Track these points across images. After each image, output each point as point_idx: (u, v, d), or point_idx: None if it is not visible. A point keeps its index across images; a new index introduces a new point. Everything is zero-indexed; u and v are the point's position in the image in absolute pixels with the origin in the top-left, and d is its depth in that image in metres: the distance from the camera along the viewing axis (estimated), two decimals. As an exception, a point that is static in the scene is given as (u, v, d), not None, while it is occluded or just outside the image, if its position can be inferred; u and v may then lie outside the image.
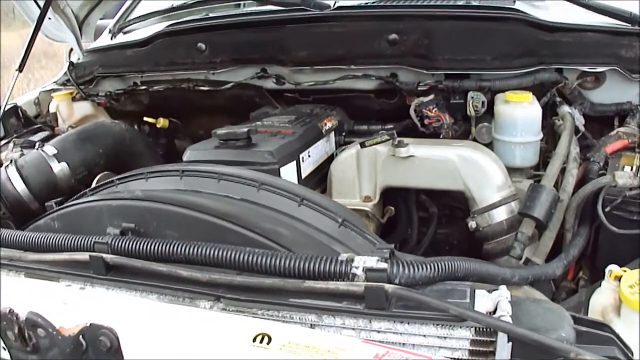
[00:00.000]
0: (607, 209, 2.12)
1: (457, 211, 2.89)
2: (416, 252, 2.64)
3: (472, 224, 2.44)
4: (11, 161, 2.65)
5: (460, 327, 1.27)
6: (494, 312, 1.30)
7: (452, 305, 1.25)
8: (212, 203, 1.80)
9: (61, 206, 2.08)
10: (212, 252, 1.48)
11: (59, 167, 2.65)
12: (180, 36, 3.36)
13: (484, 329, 1.24)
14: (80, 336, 1.46)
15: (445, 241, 2.96)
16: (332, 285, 1.34)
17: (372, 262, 1.35)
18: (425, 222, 2.87)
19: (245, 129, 2.34)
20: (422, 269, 1.36)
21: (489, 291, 1.36)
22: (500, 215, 2.41)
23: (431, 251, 2.80)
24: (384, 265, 1.33)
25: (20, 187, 2.57)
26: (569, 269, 2.23)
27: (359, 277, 1.34)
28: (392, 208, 2.70)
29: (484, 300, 1.33)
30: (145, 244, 1.57)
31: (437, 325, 1.28)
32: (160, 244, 1.55)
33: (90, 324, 1.46)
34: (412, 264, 1.35)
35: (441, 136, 2.71)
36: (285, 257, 1.42)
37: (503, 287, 1.37)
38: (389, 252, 1.37)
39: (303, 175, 2.44)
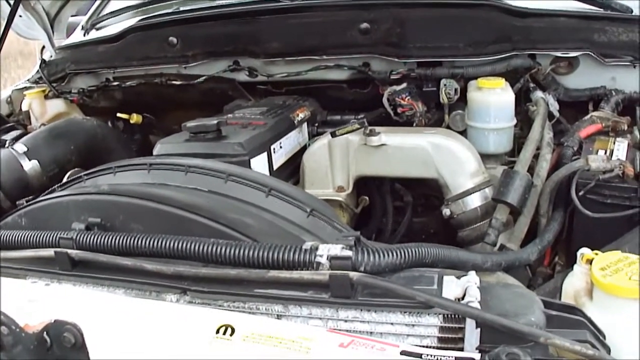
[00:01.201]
0: (580, 193, 2.11)
1: (432, 200, 2.88)
2: (392, 242, 2.63)
3: (446, 211, 2.43)
4: (-19, 160, 2.62)
5: (428, 315, 1.25)
6: (463, 298, 1.28)
7: (418, 292, 1.23)
8: (178, 195, 1.78)
9: (28, 203, 2.06)
10: (176, 244, 1.46)
11: (29, 165, 2.64)
12: (151, 30, 3.34)
13: (452, 316, 1.23)
14: (45, 333, 1.44)
15: (422, 230, 2.95)
16: (296, 274, 1.32)
17: (337, 250, 1.33)
18: (401, 212, 2.86)
19: (215, 121, 2.33)
20: (388, 255, 1.34)
21: (458, 277, 1.34)
22: (475, 202, 2.41)
23: (407, 240, 2.76)
24: (348, 252, 1.31)
25: (-10, 185, 2.54)
26: (544, 254, 2.23)
27: (323, 266, 1.32)
28: (367, 198, 2.69)
29: (452, 287, 1.31)
30: (110, 238, 1.55)
31: (405, 312, 1.26)
32: (125, 238, 1.53)
33: (55, 321, 1.43)
34: (377, 251, 1.33)
35: (414, 124, 2.72)
36: (249, 247, 1.39)
37: (472, 273, 1.35)
38: (354, 240, 1.36)
39: (275, 167, 2.43)
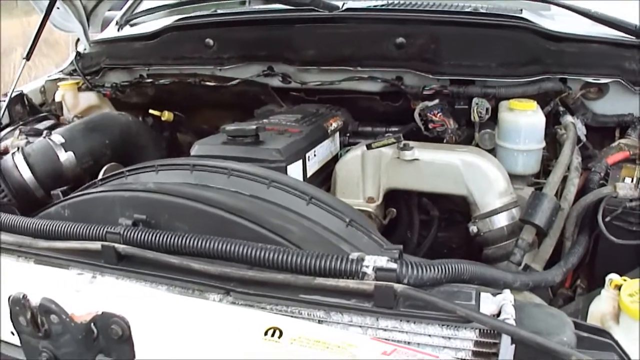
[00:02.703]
0: (607, 219, 2.13)
1: (456, 215, 2.91)
2: (417, 255, 2.65)
3: (473, 228, 2.46)
4: (18, 148, 2.66)
5: (465, 328, 1.30)
6: (498, 314, 1.32)
7: (459, 306, 1.28)
8: (222, 198, 1.82)
9: (72, 195, 2.09)
10: (225, 246, 1.51)
11: (65, 156, 2.66)
12: (188, 31, 3.37)
13: (488, 331, 1.28)
14: (92, 324, 1.48)
15: (444, 244, 2.97)
16: (342, 283, 1.37)
17: (382, 261, 1.38)
18: (425, 225, 2.89)
19: (254, 126, 2.36)
20: (430, 270, 1.39)
21: (493, 295, 1.39)
22: (502, 221, 2.43)
23: (430, 254, 2.81)
24: (393, 265, 1.36)
25: (26, 174, 2.58)
26: (566, 276, 2.26)
27: (368, 276, 1.37)
28: (394, 210, 2.72)
29: (488, 303, 1.36)
30: (158, 235, 1.60)
31: (443, 325, 1.31)
32: (173, 237, 1.58)
33: (102, 312, 1.48)
34: (420, 265, 1.39)
35: (444, 141, 2.73)
36: (297, 254, 1.44)
37: (507, 291, 1.40)
38: (398, 253, 1.41)
39: (308, 174, 2.46)
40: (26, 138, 2.88)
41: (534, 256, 2.32)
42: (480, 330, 1.29)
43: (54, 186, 2.33)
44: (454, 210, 2.90)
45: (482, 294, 1.39)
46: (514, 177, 2.54)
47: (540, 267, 2.28)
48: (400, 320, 1.34)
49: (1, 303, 1.60)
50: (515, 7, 2.94)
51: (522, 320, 1.31)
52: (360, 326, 1.37)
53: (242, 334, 1.32)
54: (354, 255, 1.42)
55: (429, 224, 2.88)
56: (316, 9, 2.90)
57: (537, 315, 1.35)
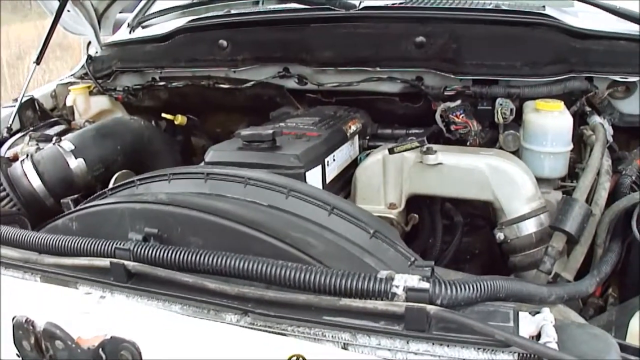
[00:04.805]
0: (641, 225, 2.06)
1: (478, 220, 2.84)
2: (440, 262, 2.57)
3: (499, 235, 2.37)
4: (27, 156, 2.62)
5: (503, 352, 1.22)
6: (538, 336, 1.25)
7: (497, 330, 1.19)
8: (239, 210, 1.75)
9: (80, 206, 2.03)
10: (242, 264, 1.43)
11: (75, 164, 2.62)
12: (201, 32, 3.32)
13: (529, 355, 1.19)
14: (100, 349, 1.41)
15: (466, 250, 2.89)
16: (370, 304, 1.29)
17: (414, 281, 1.29)
18: (447, 231, 2.80)
19: (271, 131, 2.28)
20: (465, 289, 1.30)
21: (532, 313, 1.31)
22: (530, 227, 2.34)
23: (451, 260, 2.73)
24: (425, 285, 1.28)
25: (35, 182, 2.55)
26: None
27: (399, 297, 1.28)
28: (416, 216, 2.63)
29: (527, 324, 1.28)
30: (170, 252, 1.52)
31: (479, 349, 1.23)
32: (186, 253, 1.50)
33: (111, 337, 1.41)
34: (454, 284, 1.30)
35: (468, 143, 2.66)
36: (321, 272, 1.36)
37: (546, 310, 1.32)
38: (430, 270, 1.32)
39: (327, 180, 2.38)
40: (36, 144, 2.84)
41: (564, 265, 2.25)
42: (519, 354, 1.21)
43: (64, 194, 2.32)
44: (475, 215, 2.83)
45: (521, 314, 1.31)
46: (540, 181, 2.45)
47: (571, 276, 2.21)
48: (433, 344, 1.26)
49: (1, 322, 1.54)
50: (538, 4, 2.86)
51: (564, 342, 1.23)
52: (389, 349, 1.29)
53: (263, 360, 1.24)
54: (383, 273, 1.33)
55: (451, 230, 2.79)
56: (333, 7, 2.84)
57: (580, 337, 1.27)
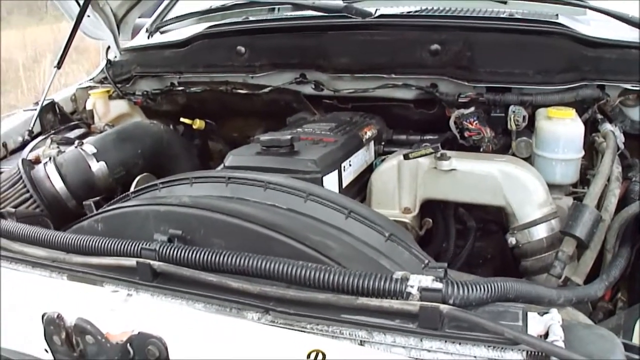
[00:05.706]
0: (650, 232, 2.10)
1: (490, 225, 2.87)
2: (453, 266, 2.61)
3: (511, 240, 2.41)
4: (50, 158, 2.65)
5: (512, 350, 1.26)
6: (546, 335, 1.29)
7: (506, 328, 1.24)
8: (260, 212, 1.80)
9: (105, 208, 2.08)
10: (264, 264, 1.48)
11: (97, 166, 2.65)
12: (220, 38, 3.36)
13: (537, 353, 1.24)
14: (128, 344, 1.46)
15: (479, 255, 2.92)
16: (386, 303, 1.34)
17: (428, 281, 1.34)
18: (460, 235, 2.85)
19: (289, 136, 2.33)
20: (477, 289, 1.35)
21: (540, 314, 1.35)
22: (541, 232, 2.38)
23: (464, 265, 2.77)
24: (439, 285, 1.33)
25: (58, 184, 2.57)
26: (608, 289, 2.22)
27: (413, 296, 1.33)
28: (430, 220, 2.67)
29: (536, 324, 1.33)
30: (194, 252, 1.57)
31: (489, 347, 1.28)
32: (210, 254, 1.55)
33: (138, 332, 1.46)
34: (466, 284, 1.35)
35: (481, 150, 2.70)
36: (339, 273, 1.41)
37: (554, 311, 1.36)
38: (443, 272, 1.37)
39: (343, 185, 2.43)
40: (58, 147, 2.86)
41: (574, 269, 2.28)
42: (528, 352, 1.25)
43: (86, 197, 2.33)
44: (488, 219, 2.86)
45: (529, 314, 1.35)
46: (551, 187, 2.49)
47: (581, 280, 2.24)
48: (446, 342, 1.30)
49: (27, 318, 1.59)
50: (551, 13, 2.90)
51: (571, 342, 1.27)
52: (403, 347, 1.33)
53: (284, 356, 1.29)
54: (398, 274, 1.38)
55: (464, 234, 2.82)
56: (349, 15, 2.87)
57: (586, 337, 1.31)
